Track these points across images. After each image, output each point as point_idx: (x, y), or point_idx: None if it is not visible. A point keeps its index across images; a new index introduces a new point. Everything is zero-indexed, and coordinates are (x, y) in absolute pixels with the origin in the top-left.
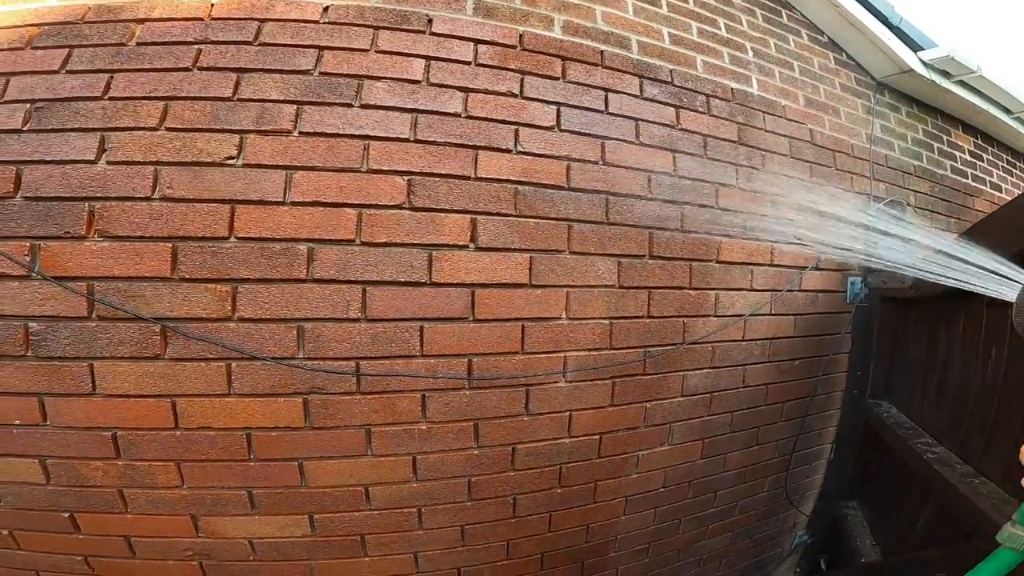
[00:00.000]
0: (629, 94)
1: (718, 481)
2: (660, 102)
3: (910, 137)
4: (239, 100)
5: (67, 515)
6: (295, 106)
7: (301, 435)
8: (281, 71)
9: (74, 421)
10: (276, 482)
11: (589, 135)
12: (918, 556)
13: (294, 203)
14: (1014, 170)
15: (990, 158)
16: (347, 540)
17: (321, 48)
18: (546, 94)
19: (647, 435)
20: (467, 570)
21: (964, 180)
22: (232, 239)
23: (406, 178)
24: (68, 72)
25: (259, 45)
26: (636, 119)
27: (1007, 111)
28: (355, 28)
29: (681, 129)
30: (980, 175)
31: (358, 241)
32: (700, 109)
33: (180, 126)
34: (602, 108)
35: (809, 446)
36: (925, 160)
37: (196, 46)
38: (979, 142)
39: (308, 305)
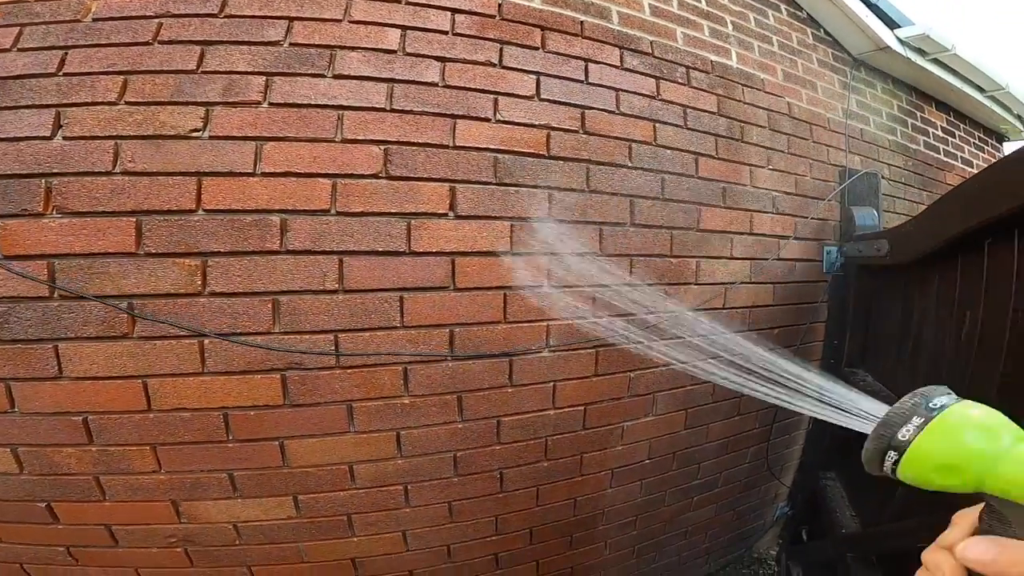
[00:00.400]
0: (610, 65)
1: (701, 452)
2: (641, 73)
3: (885, 112)
4: (204, 73)
5: (44, 505)
6: (264, 77)
7: (280, 413)
8: (249, 43)
9: (42, 406)
10: (257, 463)
11: (569, 104)
12: (897, 526)
13: (265, 174)
14: (985, 147)
15: (962, 135)
16: (333, 520)
17: (291, 19)
18: (526, 64)
19: (631, 405)
20: (456, 547)
21: (936, 155)
22: (200, 212)
23: (382, 147)
24: (19, 50)
25: (225, 17)
26: (616, 89)
27: (980, 89)
28: None
29: (661, 100)
30: (952, 151)
31: (333, 211)
32: (680, 81)
33: (141, 100)
34: (582, 78)
35: (788, 417)
36: (899, 135)
37: (156, 20)
38: (951, 119)
39: (283, 277)
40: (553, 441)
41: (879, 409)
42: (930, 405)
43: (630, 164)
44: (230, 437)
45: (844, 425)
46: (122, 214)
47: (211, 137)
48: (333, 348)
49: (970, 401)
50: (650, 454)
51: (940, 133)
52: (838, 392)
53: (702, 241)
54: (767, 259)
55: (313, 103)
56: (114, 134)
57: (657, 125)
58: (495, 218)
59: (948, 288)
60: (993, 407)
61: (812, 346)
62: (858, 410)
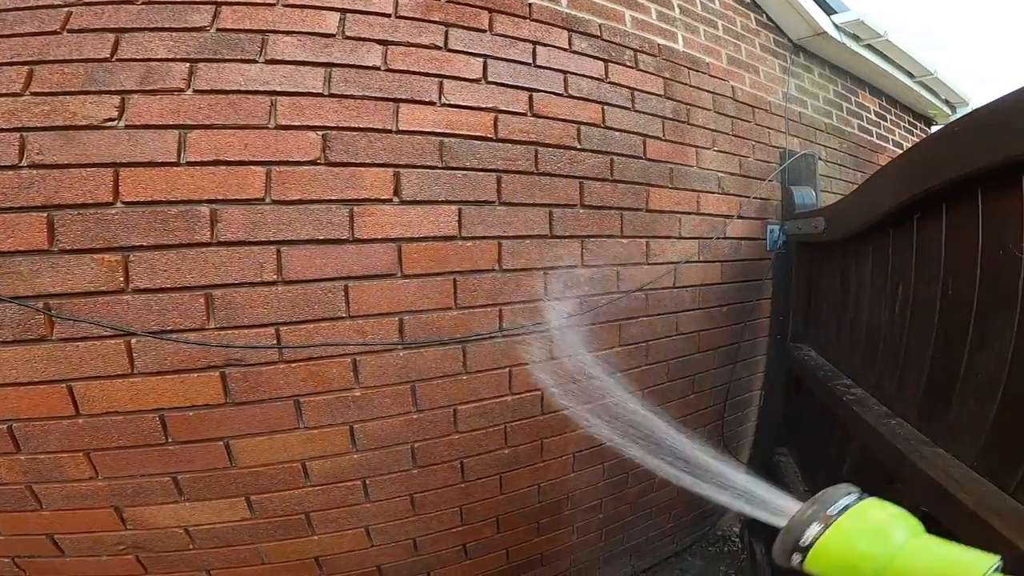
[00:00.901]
0: (558, 47)
1: None
2: (589, 56)
3: (822, 96)
4: (119, 61)
5: None
6: (188, 64)
7: (222, 412)
8: (171, 29)
9: None
10: (201, 465)
11: (517, 87)
12: None
13: (191, 163)
14: (914, 130)
15: (893, 119)
16: (291, 520)
17: (218, 4)
18: (472, 47)
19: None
20: (423, 539)
21: (869, 137)
22: (118, 204)
23: (320, 133)
24: None
25: (143, 4)
26: (565, 72)
27: (910, 75)
28: None
29: (610, 83)
30: (884, 133)
31: (268, 200)
32: (628, 63)
33: (48, 90)
34: (530, 61)
35: (741, 393)
36: (835, 118)
37: (65, 9)
38: (884, 103)
39: (215, 270)
40: (512, 428)
41: (791, 506)
42: (828, 512)
43: (579, 146)
44: (169, 439)
45: (762, 520)
46: (32, 209)
47: (127, 126)
48: (274, 342)
49: (872, 500)
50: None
51: (873, 117)
52: (756, 489)
53: (651, 221)
54: (714, 238)
55: (243, 89)
56: (19, 126)
57: (606, 107)
58: (442, 202)
59: (881, 262)
60: (926, 377)
61: (760, 322)
62: (773, 507)
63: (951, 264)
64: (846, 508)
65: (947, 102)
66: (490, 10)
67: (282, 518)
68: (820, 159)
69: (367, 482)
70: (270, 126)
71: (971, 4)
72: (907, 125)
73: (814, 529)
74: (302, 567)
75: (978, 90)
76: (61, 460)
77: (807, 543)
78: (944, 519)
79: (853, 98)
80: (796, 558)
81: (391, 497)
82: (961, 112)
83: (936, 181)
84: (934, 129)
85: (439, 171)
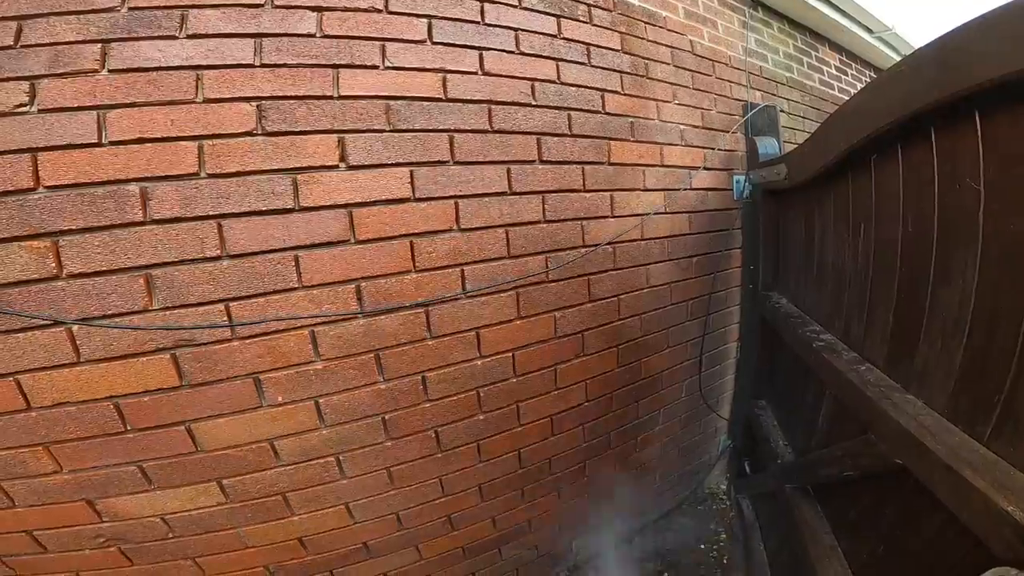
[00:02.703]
0: (507, 4)
1: (638, 390)
2: (540, 12)
3: (782, 51)
4: (24, 47)
5: None
6: (99, 45)
7: (179, 395)
8: (77, 12)
9: None
10: (166, 451)
11: (466, 47)
12: (823, 455)
13: (114, 143)
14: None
15: (854, 73)
16: (268, 502)
17: None
18: (415, 7)
19: (561, 347)
20: (405, 513)
21: (831, 91)
22: (41, 189)
23: (254, 103)
24: None
25: None
26: (516, 29)
27: (868, 30)
28: None
29: (564, 39)
30: (845, 88)
31: (203, 174)
32: (582, 19)
33: None
34: (478, 19)
35: (716, 346)
36: (796, 72)
37: None
38: (844, 59)
39: (152, 249)
40: (485, 392)
41: None
42: None
43: (534, 103)
44: (128, 427)
45: None
46: None
47: (41, 111)
48: (225, 319)
49: None
50: (587, 396)
51: (834, 71)
52: None
53: (615, 175)
54: (680, 189)
55: (164, 66)
56: None
57: (560, 64)
58: (392, 165)
59: (842, 204)
60: (892, 318)
61: (731, 273)
62: None
63: (910, 202)
64: None
65: None
66: None
67: (258, 500)
68: (783, 111)
69: (340, 458)
70: (198, 100)
71: None
72: (868, 80)
73: None
74: (286, 548)
75: None
76: (22, 455)
77: None
78: (918, 471)
79: (814, 53)
80: None
81: (367, 472)
82: None
83: (888, 120)
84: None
85: (387, 134)
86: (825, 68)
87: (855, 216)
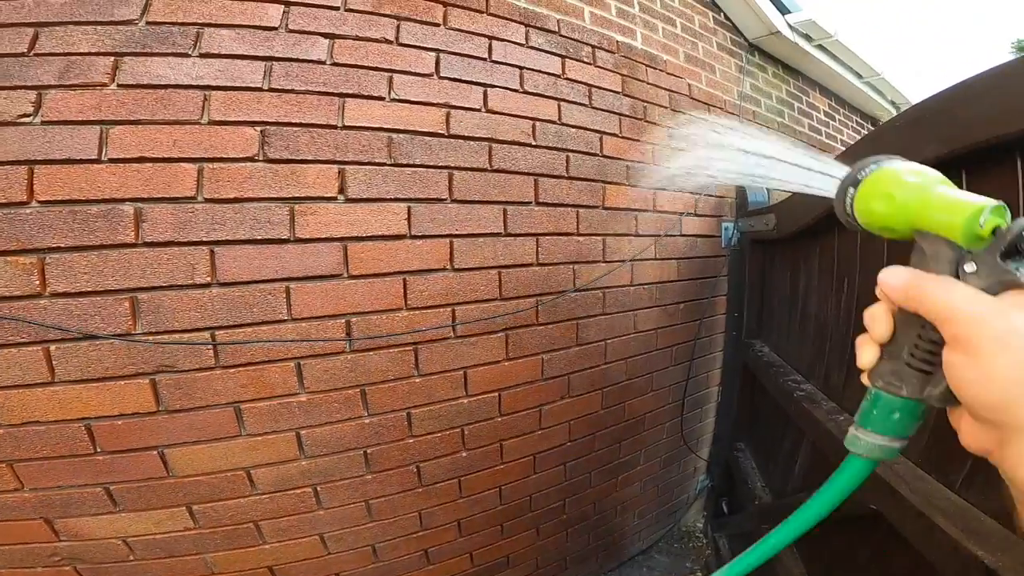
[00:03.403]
0: (514, 42)
1: (620, 431)
2: (546, 51)
3: (775, 96)
4: (37, 55)
5: None
6: (112, 58)
7: (155, 420)
8: (95, 23)
9: None
10: (135, 475)
11: (471, 83)
12: (800, 498)
13: (113, 160)
14: (862, 130)
15: (841, 118)
16: (239, 529)
17: None
18: (425, 41)
19: (547, 388)
20: (382, 546)
21: (819, 136)
22: (33, 204)
23: (258, 128)
24: None
25: None
26: (521, 67)
27: (859, 76)
28: None
29: (567, 79)
30: (832, 132)
31: (200, 198)
32: (586, 60)
33: None
34: (485, 56)
35: (699, 390)
36: (787, 117)
37: None
38: (833, 103)
39: (140, 273)
40: (470, 430)
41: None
42: (884, 161)
43: (534, 143)
44: (98, 449)
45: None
46: None
47: (44, 122)
48: (210, 348)
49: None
50: (571, 436)
51: (823, 116)
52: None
53: (608, 219)
54: (670, 235)
55: (173, 83)
56: None
57: (562, 104)
58: (391, 200)
59: (827, 259)
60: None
61: (716, 319)
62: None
63: (894, 259)
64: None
65: (893, 103)
66: (445, 4)
67: (229, 527)
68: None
69: (318, 489)
70: (203, 121)
71: (919, 8)
72: (855, 125)
73: (870, 168)
74: None
75: (924, 91)
76: None
77: (862, 177)
78: (891, 517)
79: (804, 97)
80: (850, 193)
81: (345, 504)
82: None
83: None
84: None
85: (387, 168)
86: (814, 113)
87: (839, 270)
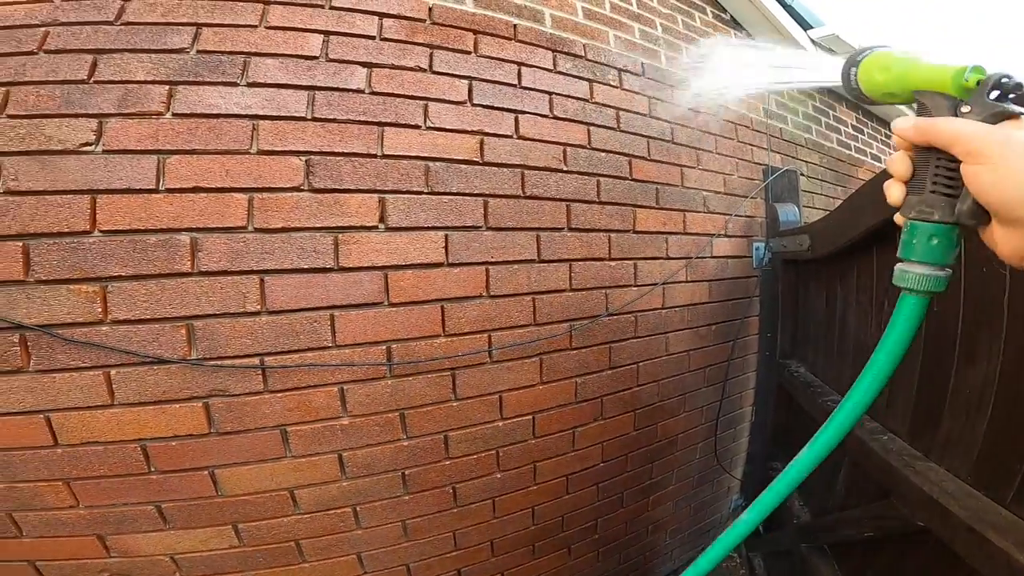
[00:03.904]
0: (543, 68)
1: (653, 452)
2: (574, 76)
3: (801, 112)
4: (96, 83)
5: None
6: (167, 86)
7: (207, 442)
8: (149, 51)
9: None
10: (186, 494)
11: (503, 109)
12: (843, 516)
13: (170, 190)
14: (890, 143)
15: (870, 132)
16: (281, 548)
17: (199, 25)
18: (457, 68)
19: (580, 411)
20: (416, 565)
21: (848, 152)
22: (96, 233)
23: (303, 158)
24: None
25: (122, 24)
26: (550, 93)
27: None
28: (241, 3)
29: (595, 103)
30: (861, 147)
31: (251, 228)
32: (613, 83)
33: (24, 112)
34: (515, 82)
35: (732, 410)
36: (814, 133)
37: (43, 28)
38: (860, 117)
39: (196, 301)
40: (504, 452)
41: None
42: (877, 47)
43: (565, 168)
44: (152, 469)
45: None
46: (7, 238)
47: (105, 151)
48: (260, 373)
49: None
50: (603, 458)
51: (850, 131)
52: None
53: (639, 243)
54: (701, 256)
55: (224, 113)
56: None
57: (591, 128)
58: (428, 228)
59: (866, 278)
60: (915, 392)
61: (749, 340)
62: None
63: None
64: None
65: None
66: (475, 32)
67: (271, 546)
68: (802, 175)
69: (357, 509)
70: (252, 151)
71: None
72: (883, 139)
73: (865, 52)
74: None
75: None
76: (40, 488)
77: (861, 58)
78: (940, 533)
79: (831, 112)
80: (852, 72)
81: (383, 523)
82: None
83: None
84: None
85: (425, 196)
86: (843, 128)
87: (878, 290)
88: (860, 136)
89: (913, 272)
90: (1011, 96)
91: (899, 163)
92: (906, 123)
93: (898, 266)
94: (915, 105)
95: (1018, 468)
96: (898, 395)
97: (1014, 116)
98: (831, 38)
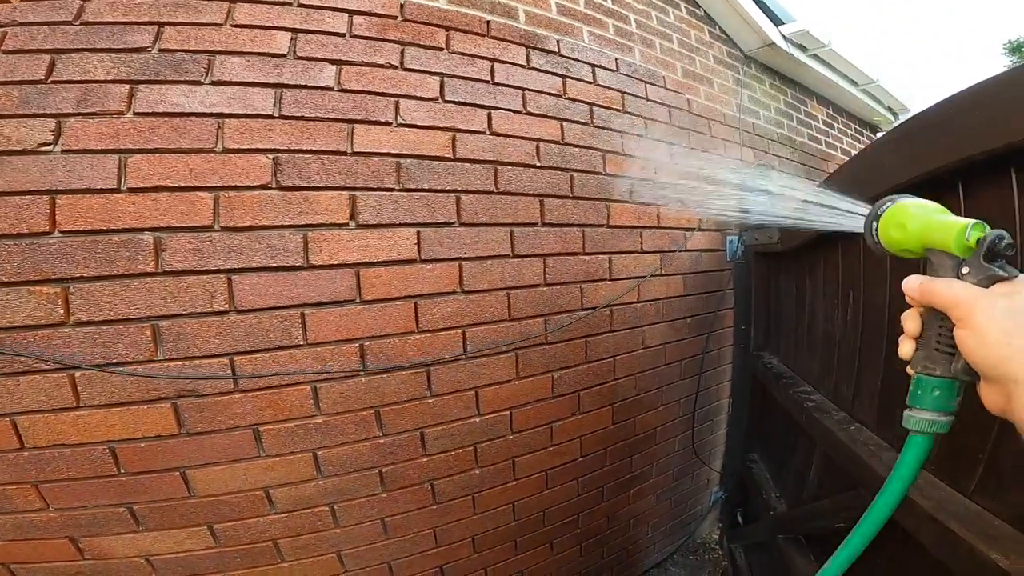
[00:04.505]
0: (516, 64)
1: (632, 445)
2: (547, 72)
3: (773, 107)
4: (55, 82)
5: None
6: (128, 86)
7: (176, 443)
8: (109, 50)
9: None
10: (158, 495)
11: (475, 105)
12: (815, 507)
13: (132, 189)
14: (861, 137)
15: (840, 127)
16: (258, 548)
17: (161, 24)
18: (429, 65)
19: (557, 405)
20: (397, 563)
21: (818, 146)
22: (56, 234)
23: (271, 156)
24: None
25: (81, 24)
26: (523, 89)
27: (854, 83)
28: (207, 2)
29: (568, 98)
30: (832, 141)
31: (217, 226)
32: (586, 79)
33: None
34: (488, 79)
35: (709, 403)
36: (786, 128)
37: (0, 29)
38: (831, 112)
39: (161, 301)
40: (482, 448)
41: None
42: (898, 198)
43: (538, 164)
44: (121, 471)
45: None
46: None
47: (64, 151)
48: (228, 373)
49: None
50: (582, 452)
51: (821, 126)
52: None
53: (614, 237)
54: (675, 251)
55: (187, 111)
56: None
57: (564, 124)
58: (400, 225)
59: (832, 270)
60: (880, 381)
61: (724, 332)
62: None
63: (896, 270)
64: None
65: (890, 109)
66: (447, 28)
67: (248, 546)
68: (773, 168)
69: (335, 507)
70: (217, 149)
71: (909, 8)
72: (854, 132)
73: (887, 205)
74: None
75: (919, 96)
76: (9, 491)
77: (881, 212)
78: (906, 523)
79: (803, 107)
80: (873, 226)
81: (361, 522)
82: (904, 118)
83: (880, 189)
84: (879, 135)
85: (397, 193)
86: (813, 123)
87: (844, 282)
88: (831, 131)
89: (919, 417)
90: (1005, 256)
91: (910, 321)
92: (913, 283)
93: (907, 412)
94: (925, 261)
95: (980, 458)
96: (864, 384)
97: (1006, 279)
98: (801, 33)
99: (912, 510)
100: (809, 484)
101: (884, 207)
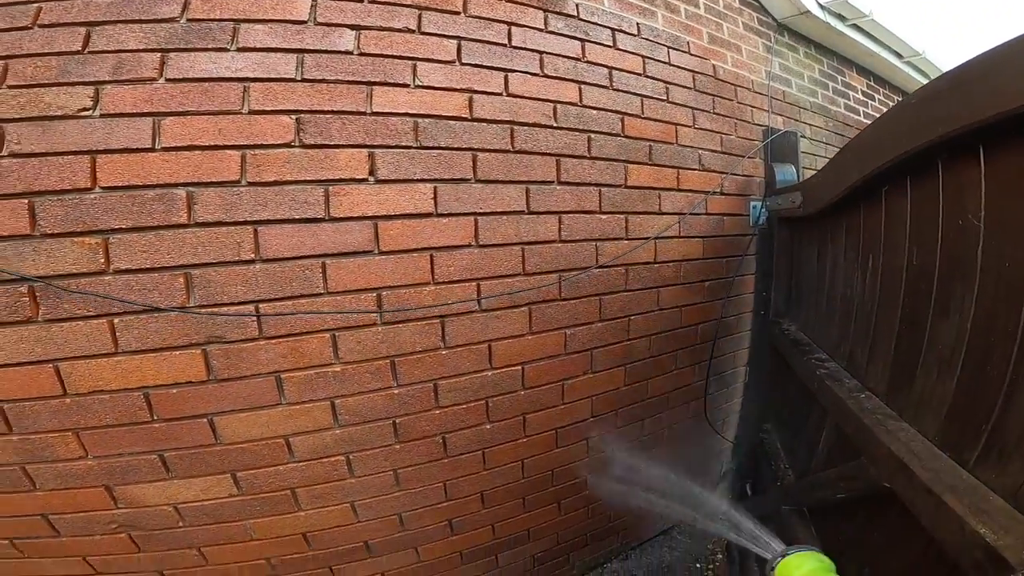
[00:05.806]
0: (534, 28)
1: (644, 408)
2: (566, 35)
3: (807, 76)
4: (91, 53)
5: None
6: (159, 54)
7: (205, 389)
8: (140, 21)
9: None
10: (187, 442)
11: (492, 68)
12: (819, 477)
13: (166, 149)
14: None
15: (882, 98)
16: (277, 496)
17: None
18: (446, 29)
19: (569, 363)
20: (408, 515)
21: (856, 117)
22: (97, 189)
23: (294, 116)
24: None
25: None
26: (541, 52)
27: (898, 55)
28: None
29: (587, 62)
30: (871, 113)
31: (244, 182)
32: (606, 43)
33: (23, 83)
34: (505, 42)
35: (724, 369)
36: (820, 97)
37: (35, 4)
38: (871, 83)
39: (192, 251)
40: (494, 403)
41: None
42: (791, 551)
43: (555, 124)
44: (155, 417)
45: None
46: (13, 196)
47: (103, 115)
48: (255, 320)
49: (804, 554)
50: (593, 412)
51: (860, 96)
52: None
53: (630, 197)
54: (693, 213)
55: (215, 77)
56: None
57: (583, 86)
58: (417, 181)
59: (853, 235)
60: (893, 348)
61: (744, 298)
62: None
63: (916, 234)
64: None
65: None
66: None
67: (268, 494)
68: (804, 137)
69: (350, 457)
70: (243, 111)
71: None
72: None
73: (777, 560)
74: (290, 542)
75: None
76: (51, 439)
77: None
78: (903, 495)
79: (840, 77)
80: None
81: (375, 472)
82: None
83: (897, 153)
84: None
85: (414, 151)
86: (851, 93)
87: (864, 247)
88: (871, 102)
89: None
90: None
91: None
92: None
93: None
94: None
95: (984, 428)
96: (878, 350)
97: None
98: (840, 3)
99: (911, 481)
100: (818, 455)
101: (775, 561)
